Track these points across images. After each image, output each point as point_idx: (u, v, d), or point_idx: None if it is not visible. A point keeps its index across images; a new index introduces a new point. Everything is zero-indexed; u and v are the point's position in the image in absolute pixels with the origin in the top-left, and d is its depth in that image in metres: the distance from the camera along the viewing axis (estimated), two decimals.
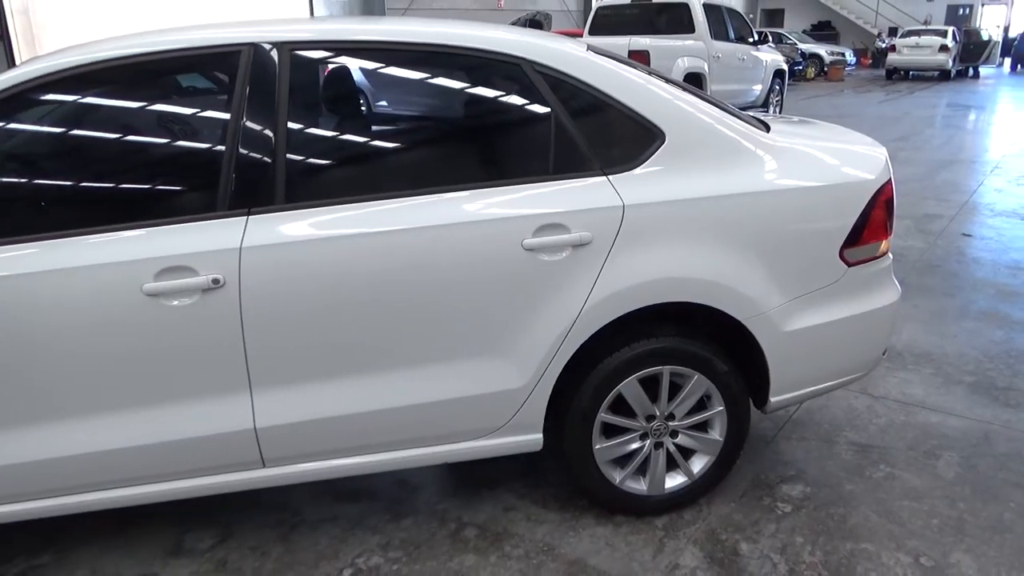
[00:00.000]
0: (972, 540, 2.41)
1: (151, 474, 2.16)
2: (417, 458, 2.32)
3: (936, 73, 22.30)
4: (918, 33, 22.05)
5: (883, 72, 23.34)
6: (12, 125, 2.07)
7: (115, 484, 2.15)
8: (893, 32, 25.51)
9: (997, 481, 2.72)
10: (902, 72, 22.74)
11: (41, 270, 1.96)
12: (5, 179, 2.08)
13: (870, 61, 27.61)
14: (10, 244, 1.98)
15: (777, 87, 12.31)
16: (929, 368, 3.61)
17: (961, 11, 28.46)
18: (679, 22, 10.23)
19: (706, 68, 10.09)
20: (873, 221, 2.44)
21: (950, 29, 22.06)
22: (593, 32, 10.75)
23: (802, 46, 23.61)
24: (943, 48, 21.37)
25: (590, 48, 2.40)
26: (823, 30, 28.94)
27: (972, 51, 23.03)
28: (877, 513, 2.55)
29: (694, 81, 9.89)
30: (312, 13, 14.58)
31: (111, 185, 2.11)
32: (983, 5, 28.64)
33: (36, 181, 2.10)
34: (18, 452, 2.05)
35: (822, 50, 24.06)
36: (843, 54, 24.30)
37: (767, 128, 2.57)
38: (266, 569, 2.34)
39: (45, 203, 2.07)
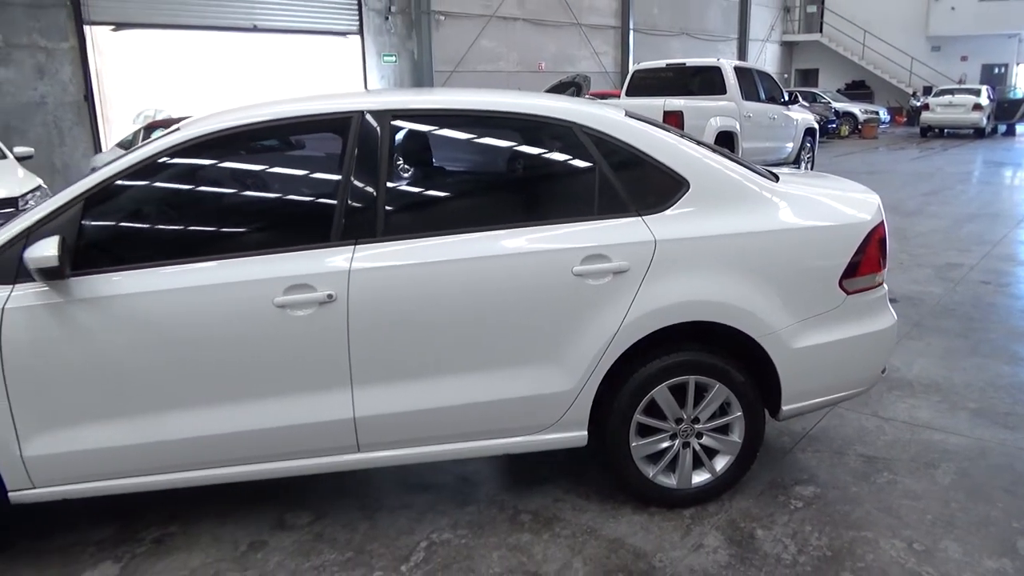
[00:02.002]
0: (960, 532, 2.78)
1: (271, 454, 2.66)
2: (484, 448, 2.79)
3: (971, 131, 22.57)
4: (952, 92, 22.43)
5: (917, 130, 23.68)
6: (178, 172, 2.66)
7: (242, 461, 2.66)
8: (927, 91, 25.91)
9: (988, 487, 3.08)
10: (936, 130, 23.06)
11: (200, 284, 2.52)
12: (174, 214, 2.66)
13: (905, 119, 27.98)
14: (177, 264, 2.55)
15: (808, 145, 12.79)
16: (936, 396, 3.98)
17: (996, 70, 28.80)
18: (711, 84, 10.83)
19: (738, 127, 10.64)
20: (868, 256, 2.90)
21: (984, 88, 22.41)
22: (630, 93, 11.40)
23: (836, 104, 24.12)
24: (977, 107, 21.69)
25: (627, 113, 2.94)
26: (857, 89, 29.47)
27: (1007, 109, 23.29)
28: (878, 509, 2.93)
29: (726, 139, 10.43)
30: (366, 83, 15.58)
31: (252, 220, 2.69)
32: (1018, 64, 28.95)
33: (196, 216, 2.68)
34: (175, 431, 2.57)
35: (856, 108, 24.53)
36: (877, 112, 24.73)
37: (776, 178, 3.06)
38: (356, 540, 2.81)
39: (204, 233, 2.65)
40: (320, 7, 14.90)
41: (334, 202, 2.66)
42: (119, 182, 2.59)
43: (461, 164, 2.98)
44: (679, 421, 2.89)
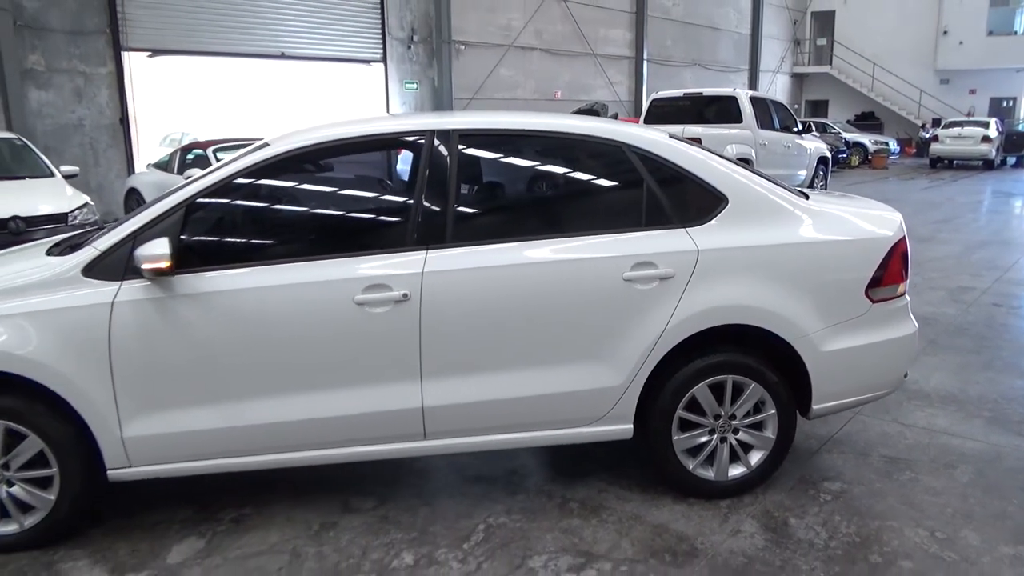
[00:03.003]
0: (978, 523, 3.00)
1: (345, 439, 2.92)
2: (539, 439, 3.04)
3: (980, 162, 22.86)
4: (961, 124, 22.77)
5: (927, 161, 23.99)
6: (271, 182, 2.95)
7: (319, 446, 2.92)
8: (936, 123, 26.28)
9: (1004, 486, 3.30)
10: (946, 161, 23.36)
11: (288, 283, 2.80)
12: (266, 220, 2.95)
13: (914, 150, 28.31)
14: (268, 265, 2.83)
15: (821, 172, 13.09)
16: (953, 406, 4.21)
17: (1004, 103, 29.17)
18: (728, 113, 11.18)
19: (753, 154, 10.96)
20: (891, 268, 3.16)
21: (993, 120, 22.73)
22: (648, 121, 11.75)
23: (846, 135, 24.49)
24: (986, 139, 22.01)
25: (671, 135, 3.23)
26: (867, 120, 29.87)
27: (1015, 142, 23.59)
28: (901, 503, 3.16)
29: None
30: (388, 110, 16.01)
31: (335, 226, 2.97)
32: None
33: (285, 221, 2.97)
34: (261, 416, 2.83)
35: (866, 139, 24.89)
36: (887, 143, 25.08)
37: (807, 197, 3.33)
38: (419, 523, 3.05)
39: (292, 237, 2.93)
40: (346, 36, 15.38)
41: (409, 211, 2.94)
42: (217, 191, 2.89)
43: (520, 178, 3.27)
44: (717, 417, 3.13)
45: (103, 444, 2.80)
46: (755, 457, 3.20)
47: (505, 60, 18.68)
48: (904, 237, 3.23)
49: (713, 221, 3.05)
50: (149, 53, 12.78)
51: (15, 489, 2.82)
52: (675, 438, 3.10)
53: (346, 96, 15.78)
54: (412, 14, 16.50)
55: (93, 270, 2.78)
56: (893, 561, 2.75)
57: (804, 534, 2.93)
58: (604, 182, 3.20)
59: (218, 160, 9.30)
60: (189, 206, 2.85)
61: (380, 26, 15.87)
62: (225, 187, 2.89)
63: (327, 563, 2.78)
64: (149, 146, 14.01)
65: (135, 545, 2.92)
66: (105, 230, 2.96)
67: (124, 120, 12.41)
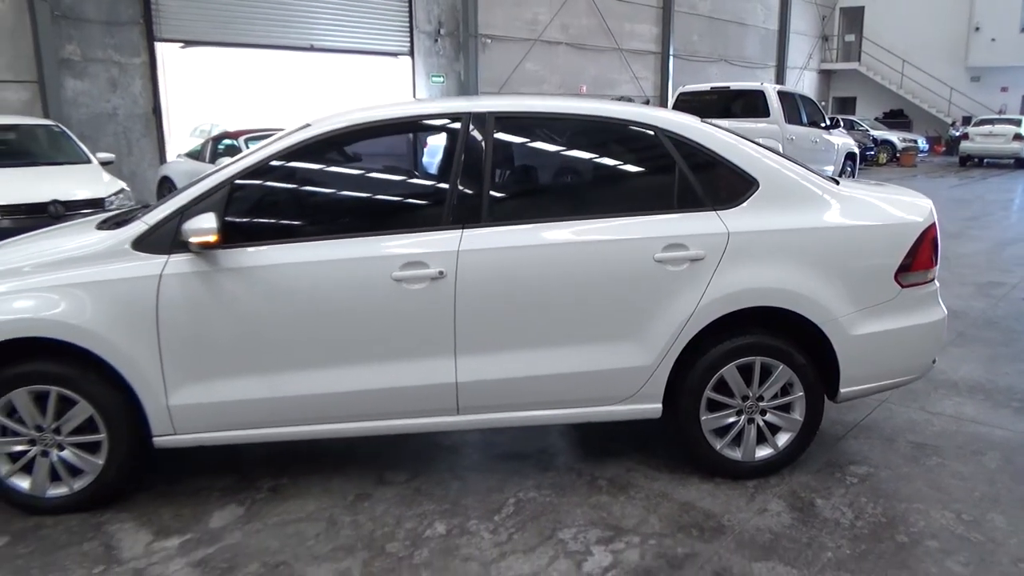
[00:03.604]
0: (1005, 506, 3.02)
1: (381, 412, 3.00)
2: (569, 416, 3.11)
3: (1011, 161, 22.50)
4: (992, 122, 22.43)
5: (956, 159, 23.66)
6: (313, 161, 3.04)
7: (356, 418, 3.00)
8: (967, 121, 25.90)
9: None
10: (976, 159, 23.03)
11: (328, 258, 2.89)
12: (307, 197, 3.04)
13: (944, 148, 27.91)
14: (310, 241, 2.91)
15: (848, 169, 13.00)
16: (980, 395, 4.21)
17: None
18: (755, 107, 11.14)
19: (780, 149, 10.91)
20: (921, 253, 3.18)
21: None
22: None
23: (874, 132, 24.21)
24: (1017, 137, 21.65)
25: (704, 120, 3.27)
26: (895, 118, 29.50)
27: None
28: (928, 487, 3.18)
29: None
30: (415, 97, 16.13)
31: (374, 204, 3.06)
32: None
33: (326, 199, 3.06)
34: (300, 388, 2.92)
35: (894, 137, 24.58)
36: (915, 141, 24.75)
37: (837, 183, 3.36)
38: (451, 495, 3.13)
39: (332, 214, 3.02)
40: (374, 29, 15.50)
41: (445, 190, 3.01)
42: (261, 169, 2.98)
43: (554, 160, 3.33)
44: (745, 398, 3.17)
45: (149, 412, 2.90)
46: (782, 439, 3.23)
47: (531, 54, 18.70)
48: (934, 223, 3.25)
49: (744, 204, 3.09)
50: (181, 44, 12.97)
51: (66, 453, 2.94)
52: (703, 418, 3.15)
53: (373, 89, 15.89)
54: (439, 8, 16.59)
55: (142, 243, 2.88)
56: (919, 541, 2.79)
57: (830, 514, 2.97)
58: (636, 165, 3.26)
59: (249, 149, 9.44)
60: (234, 184, 2.94)
61: (408, 19, 15.97)
62: (268, 166, 2.99)
63: (362, 531, 2.87)
64: (180, 136, 14.22)
65: (178, 510, 3.03)
66: (153, 206, 3.06)
67: (156, 110, 12.62)
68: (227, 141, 10.12)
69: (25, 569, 2.64)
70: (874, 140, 23.56)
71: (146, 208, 3.16)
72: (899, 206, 3.26)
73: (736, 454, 3.21)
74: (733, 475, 3.24)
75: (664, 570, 2.62)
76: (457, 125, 3.07)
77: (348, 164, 3.13)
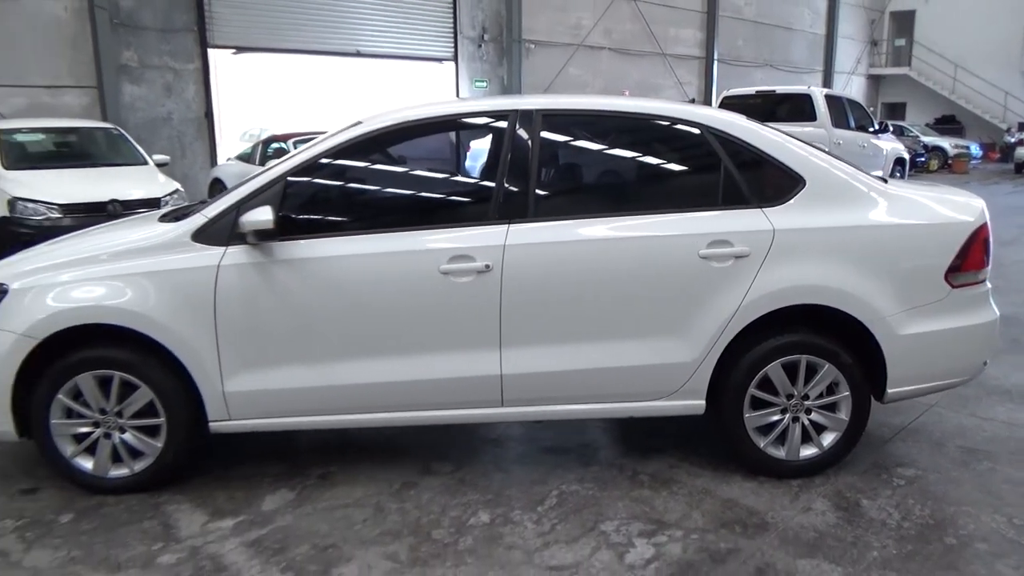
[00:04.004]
0: None
1: (427, 402, 3.07)
2: (613, 410, 3.13)
3: None
4: None
5: (1011, 166, 22.97)
6: (364, 158, 3.13)
7: (402, 408, 3.07)
8: (1022, 127, 25.15)
9: None
10: None
11: (378, 251, 2.97)
12: (359, 192, 3.13)
13: (998, 155, 27.12)
14: (361, 234, 3.00)
15: (898, 174, 12.75)
16: None
17: None
18: (801, 111, 11.01)
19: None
20: (972, 253, 3.13)
21: None
22: None
23: (924, 138, 23.67)
24: None
25: (750, 118, 3.27)
26: (947, 124, 28.78)
27: None
28: (978, 491, 3.13)
29: None
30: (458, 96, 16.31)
31: (423, 198, 3.14)
32: None
33: (376, 194, 3.14)
34: (350, 377, 3.01)
35: (946, 143, 24.00)
36: (968, 147, 24.12)
37: (885, 182, 3.33)
38: (494, 486, 3.18)
39: (383, 208, 3.10)
40: (419, 35, 15.72)
41: (492, 186, 3.07)
42: (315, 165, 3.08)
43: (600, 156, 3.37)
44: (790, 397, 3.16)
45: (206, 397, 3.01)
46: (827, 438, 3.21)
47: (574, 59, 18.74)
48: (986, 223, 3.20)
49: (790, 202, 3.09)
50: (233, 50, 13.33)
51: (127, 436, 3.06)
52: (747, 416, 3.15)
53: (417, 94, 16.09)
54: (484, 13, 16.74)
55: (202, 235, 3.00)
56: (968, 543, 2.74)
57: (876, 514, 2.95)
58: (682, 162, 3.28)
59: None
60: (288, 179, 3.04)
61: (452, 25, 16.15)
62: (321, 162, 3.08)
63: (408, 517, 2.94)
64: (229, 140, 14.59)
65: (232, 493, 3.13)
66: (211, 201, 3.18)
67: (208, 114, 12.98)
68: (276, 144, 10.37)
69: (89, 544, 2.76)
70: (925, 146, 23.03)
71: (205, 203, 3.29)
72: (949, 205, 3.22)
73: (780, 453, 3.20)
74: (777, 474, 3.22)
75: (707, 564, 2.63)
76: (504, 122, 3.13)
77: (397, 160, 3.22)
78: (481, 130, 3.29)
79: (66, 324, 2.90)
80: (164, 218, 3.32)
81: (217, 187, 11.27)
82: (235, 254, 2.97)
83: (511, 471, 3.32)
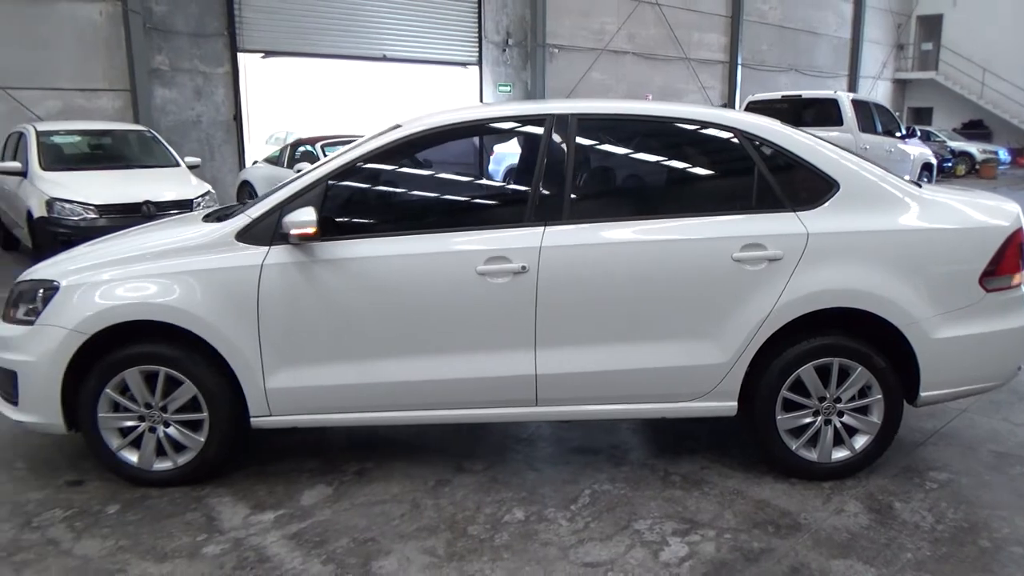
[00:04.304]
0: None
1: (463, 401, 3.12)
2: (645, 411, 3.17)
3: None
4: None
5: None
6: (403, 160, 3.20)
7: (438, 406, 3.13)
8: None
9: None
10: None
11: (417, 252, 3.03)
12: (397, 194, 3.20)
13: None
14: (400, 235, 3.07)
15: (925, 179, 12.63)
16: None
17: None
18: (828, 115, 10.96)
19: None
20: (1007, 258, 3.13)
21: None
22: None
23: (951, 143, 23.41)
24: None
25: (783, 123, 3.30)
26: (975, 129, 28.43)
27: None
28: (1012, 494, 3.13)
29: None
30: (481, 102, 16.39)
31: (460, 201, 3.20)
32: None
33: (415, 196, 3.21)
34: (388, 375, 3.07)
35: (973, 148, 23.72)
36: (996, 152, 23.82)
37: (919, 186, 3.34)
38: (527, 484, 3.23)
39: (421, 210, 3.17)
40: (444, 39, 15.83)
41: (528, 189, 3.13)
42: (356, 167, 3.15)
43: (635, 160, 3.41)
44: (822, 399, 3.18)
45: (248, 393, 3.09)
46: (859, 441, 3.22)
47: (597, 64, 18.76)
48: (1021, 228, 3.20)
49: (824, 206, 3.11)
50: (262, 54, 13.51)
51: (171, 430, 3.15)
52: (779, 417, 3.17)
53: (442, 97, 16.20)
54: (508, 18, 16.82)
55: (245, 235, 3.08)
56: (1003, 547, 2.75)
57: (909, 517, 2.96)
58: (716, 165, 3.31)
59: (326, 155, 9.79)
60: (329, 181, 3.12)
61: (477, 30, 16.24)
62: (361, 165, 3.15)
63: (444, 513, 2.99)
64: (256, 143, 14.79)
65: (271, 488, 3.21)
66: (254, 202, 3.26)
67: (237, 117, 13.17)
68: (304, 147, 10.50)
69: (136, 534, 2.84)
70: (952, 151, 22.77)
71: (245, 204, 3.37)
72: (984, 210, 3.23)
73: (812, 455, 3.22)
74: (808, 476, 3.24)
75: (740, 563, 2.66)
76: (540, 127, 3.18)
77: (436, 162, 3.28)
78: (518, 134, 3.34)
79: (116, 320, 3.00)
80: (207, 218, 3.41)
81: (245, 189, 11.43)
82: (278, 253, 3.04)
83: (542, 470, 3.37)
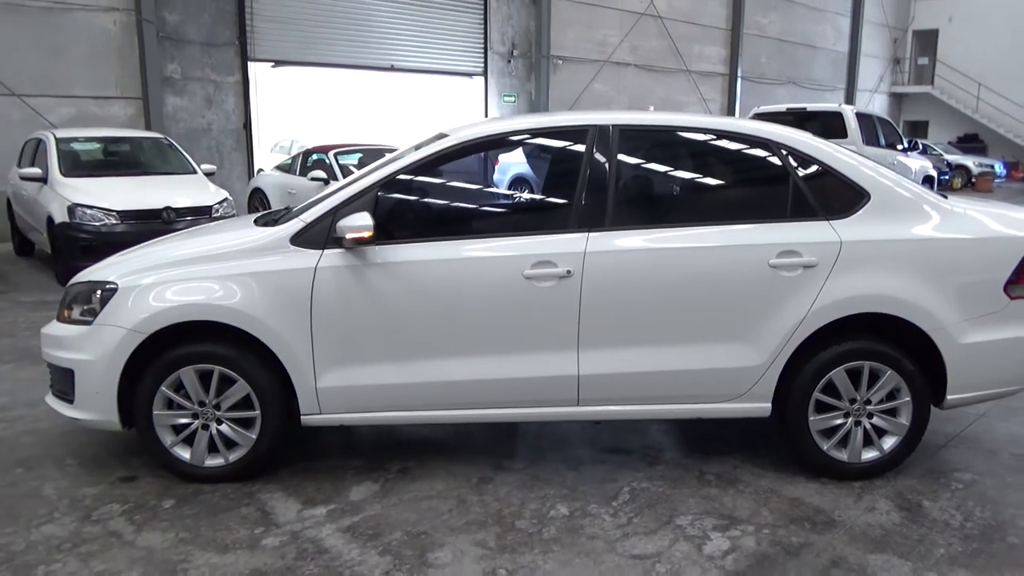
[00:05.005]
0: None
1: (507, 400, 3.23)
2: (683, 411, 3.29)
3: None
4: None
5: None
6: (451, 168, 3.33)
7: (483, 405, 3.24)
8: None
9: None
10: None
11: (466, 256, 3.15)
12: (447, 200, 3.32)
13: (1022, 174, 27.10)
14: (449, 240, 3.18)
15: None
16: None
17: None
18: (832, 128, 11.13)
19: None
20: None
21: None
22: None
23: (948, 157, 23.70)
24: None
25: (814, 135, 3.44)
26: (970, 142, 28.77)
27: None
28: None
29: None
30: (487, 116, 16.54)
31: (507, 208, 3.31)
32: None
33: (464, 202, 3.33)
34: (436, 375, 3.18)
35: (969, 161, 24.02)
36: (992, 165, 24.12)
37: (945, 198, 3.48)
38: (568, 482, 3.34)
39: (470, 216, 3.29)
40: (451, 50, 16.00)
41: (573, 196, 3.25)
42: (405, 175, 3.27)
43: (675, 169, 3.54)
44: (852, 401, 3.29)
45: (300, 392, 3.19)
46: (888, 442, 3.34)
47: (600, 75, 18.97)
48: None
49: (856, 215, 3.24)
50: (272, 64, 13.64)
51: (224, 427, 3.25)
52: (811, 419, 3.28)
53: (447, 107, 16.36)
54: (513, 30, 17.01)
55: (299, 239, 3.19)
56: None
57: (939, 515, 3.07)
58: (753, 176, 3.45)
59: (338, 164, 9.91)
60: (381, 188, 3.23)
61: (483, 41, 16.42)
62: (412, 172, 3.27)
63: (490, 509, 3.10)
64: (262, 152, 14.88)
65: (319, 484, 3.31)
66: (306, 206, 3.38)
67: (247, 125, 13.28)
68: (316, 155, 10.60)
69: (195, 527, 2.94)
70: (948, 164, 23.05)
71: (290, 209, 3.48)
72: (1007, 222, 3.37)
73: (842, 455, 3.33)
74: (839, 476, 3.35)
75: (781, 556, 2.77)
76: (584, 136, 3.31)
77: (482, 170, 3.41)
78: (561, 144, 3.47)
79: (175, 320, 3.10)
80: (258, 222, 3.51)
81: (257, 196, 11.54)
82: (331, 257, 3.15)
83: (581, 469, 3.48)
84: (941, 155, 23.52)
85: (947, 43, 30.29)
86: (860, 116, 11.32)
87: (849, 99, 27.51)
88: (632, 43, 19.61)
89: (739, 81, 22.70)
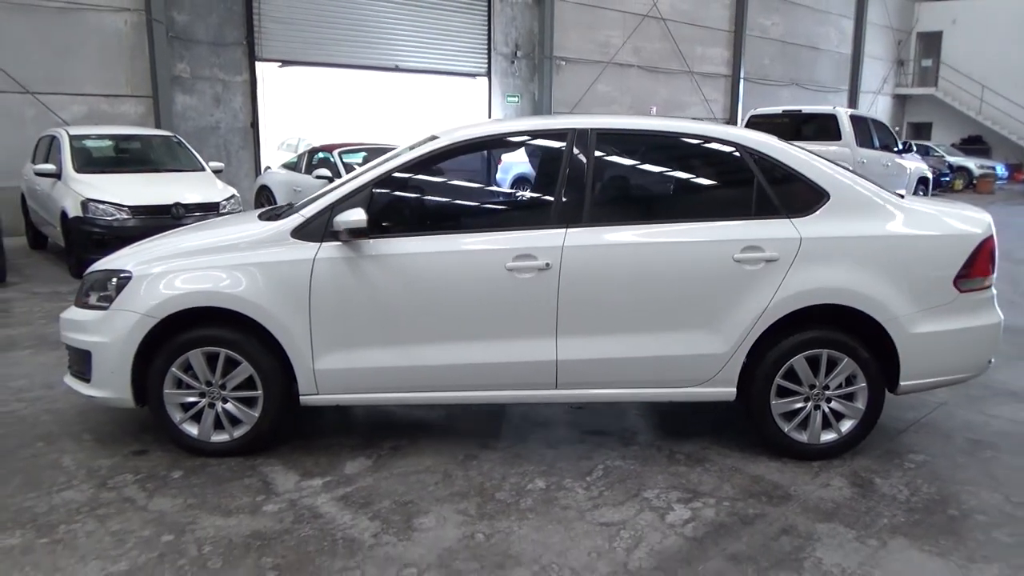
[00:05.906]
0: None
1: (491, 383, 3.49)
2: (653, 395, 3.55)
3: None
4: None
5: None
6: (441, 168, 3.59)
7: (469, 388, 3.50)
8: None
9: None
10: None
11: (453, 249, 3.41)
12: (435, 198, 3.58)
13: None
14: (437, 234, 3.45)
15: (921, 192, 13.03)
16: None
17: None
18: (826, 130, 11.37)
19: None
20: (979, 262, 3.51)
21: None
22: None
23: (950, 159, 23.84)
24: None
25: (780, 139, 3.69)
26: (973, 144, 28.89)
27: None
28: (981, 474, 3.49)
29: None
30: (490, 116, 16.79)
31: (491, 204, 3.57)
32: None
33: (451, 200, 3.59)
34: (425, 359, 3.44)
35: (971, 163, 24.15)
36: (994, 168, 24.25)
37: (902, 197, 3.72)
38: (547, 460, 3.60)
39: (456, 212, 3.55)
40: (455, 50, 16.27)
41: (552, 194, 3.51)
42: (398, 174, 3.53)
43: (647, 170, 3.80)
44: (812, 387, 3.54)
45: (299, 374, 3.46)
46: (845, 425, 3.59)
47: (603, 76, 19.21)
48: (992, 236, 3.57)
49: (816, 213, 3.49)
50: (279, 63, 13.94)
51: (228, 406, 3.52)
52: (773, 403, 3.53)
53: (451, 107, 16.63)
54: (517, 31, 17.27)
55: (300, 232, 3.46)
56: (969, 515, 3.11)
57: (888, 490, 3.32)
58: (719, 176, 3.71)
59: (343, 162, 10.19)
60: (374, 186, 3.50)
61: (486, 42, 16.68)
62: (403, 171, 3.54)
63: (473, 482, 3.36)
64: (268, 150, 15.18)
65: (317, 459, 3.57)
66: (306, 202, 3.64)
67: (255, 124, 13.57)
68: (321, 154, 10.89)
69: (201, 495, 3.21)
70: (949, 166, 23.19)
71: (291, 205, 3.75)
72: (960, 219, 3.61)
73: (803, 437, 3.58)
74: (799, 456, 3.60)
75: (737, 525, 3.02)
76: (564, 139, 3.57)
77: (470, 169, 3.67)
78: (543, 145, 3.73)
79: (186, 306, 3.37)
80: (261, 217, 3.78)
81: (264, 194, 11.83)
82: (328, 249, 3.42)
83: (559, 448, 3.74)
84: (943, 157, 23.66)
85: (951, 45, 30.42)
86: (854, 118, 11.53)
87: (852, 101, 27.68)
88: (635, 44, 19.84)
89: (742, 82, 22.91)
